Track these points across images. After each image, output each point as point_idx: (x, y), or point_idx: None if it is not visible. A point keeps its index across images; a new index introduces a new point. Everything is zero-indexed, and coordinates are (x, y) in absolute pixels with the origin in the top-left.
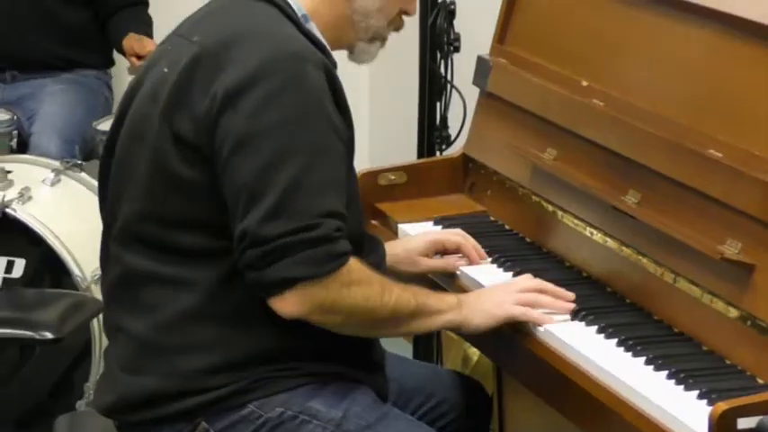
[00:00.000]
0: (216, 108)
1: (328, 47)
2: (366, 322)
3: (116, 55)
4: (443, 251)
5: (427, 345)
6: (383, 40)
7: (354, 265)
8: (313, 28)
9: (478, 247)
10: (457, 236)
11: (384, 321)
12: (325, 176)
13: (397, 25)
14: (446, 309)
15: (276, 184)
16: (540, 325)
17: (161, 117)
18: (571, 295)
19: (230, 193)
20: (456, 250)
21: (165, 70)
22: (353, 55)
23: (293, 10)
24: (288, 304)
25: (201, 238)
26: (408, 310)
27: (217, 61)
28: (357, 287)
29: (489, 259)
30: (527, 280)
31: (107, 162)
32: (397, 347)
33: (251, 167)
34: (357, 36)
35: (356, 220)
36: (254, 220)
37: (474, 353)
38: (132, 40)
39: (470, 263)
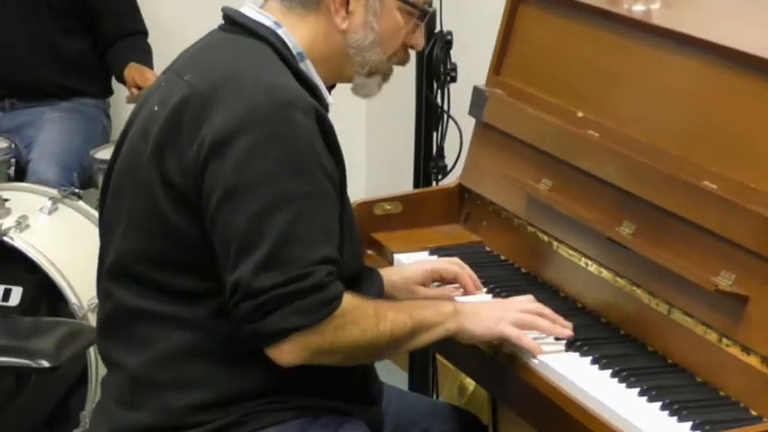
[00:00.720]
0: (203, 156)
1: (323, 86)
2: (367, 354)
3: (115, 83)
4: (440, 280)
5: (423, 375)
6: (384, 74)
7: (348, 303)
8: (308, 66)
9: (474, 276)
10: (453, 265)
11: (384, 348)
12: (316, 224)
13: (400, 59)
14: (443, 319)
15: (267, 236)
16: (532, 352)
17: (150, 157)
18: (569, 324)
19: (220, 243)
20: (453, 280)
21: (156, 108)
22: (354, 88)
23: (288, 48)
24: (285, 354)
25: (192, 280)
26: (406, 331)
27: (205, 105)
28: (352, 325)
29: (485, 289)
30: (528, 302)
31: (105, 194)
32: (393, 377)
33: (240, 218)
34: (354, 70)
35: (354, 256)
36: (246, 272)
37: (470, 383)
38: (133, 71)
39: (466, 293)
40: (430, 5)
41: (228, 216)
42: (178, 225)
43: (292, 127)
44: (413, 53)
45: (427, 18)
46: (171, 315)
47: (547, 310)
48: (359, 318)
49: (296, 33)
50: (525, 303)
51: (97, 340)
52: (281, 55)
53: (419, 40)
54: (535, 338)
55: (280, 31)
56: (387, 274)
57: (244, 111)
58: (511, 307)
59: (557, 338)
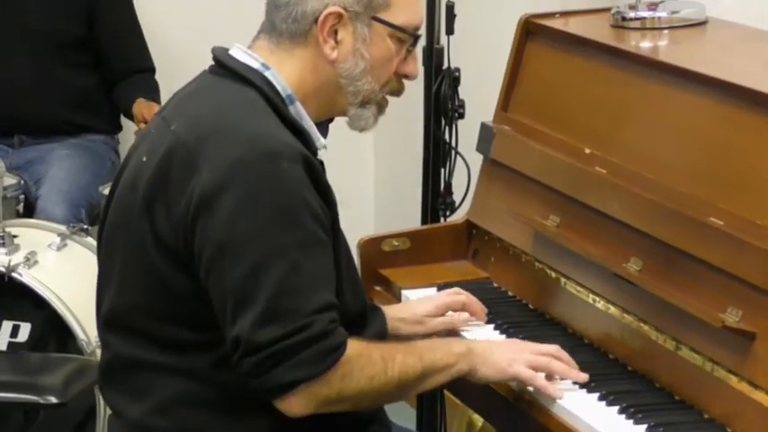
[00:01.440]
0: (192, 211)
1: (313, 128)
2: (375, 400)
3: (123, 119)
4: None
5: (431, 411)
6: (379, 104)
7: (353, 350)
8: (298, 108)
9: (479, 302)
10: (460, 295)
11: (393, 393)
12: (313, 272)
13: (393, 88)
14: (454, 361)
15: (263, 289)
16: (545, 394)
17: (140, 211)
18: (584, 376)
19: (216, 299)
20: (462, 310)
21: (144, 159)
22: (349, 121)
23: (277, 91)
24: (293, 406)
25: (188, 332)
26: (415, 375)
27: (191, 159)
28: (359, 372)
29: (492, 325)
30: (544, 345)
31: (101, 243)
32: (402, 415)
33: (235, 274)
34: (347, 101)
35: (355, 295)
36: (245, 327)
37: (478, 419)
38: (142, 106)
39: (476, 319)
40: (419, 30)
41: (223, 272)
42: (171, 280)
43: (279, 177)
44: (420, 88)
45: (417, 43)
46: (169, 365)
47: (564, 354)
48: (365, 364)
49: (284, 71)
50: (542, 345)
51: (100, 386)
52: (269, 100)
53: (412, 68)
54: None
55: (268, 74)
56: (396, 311)
57: (230, 164)
58: (525, 348)
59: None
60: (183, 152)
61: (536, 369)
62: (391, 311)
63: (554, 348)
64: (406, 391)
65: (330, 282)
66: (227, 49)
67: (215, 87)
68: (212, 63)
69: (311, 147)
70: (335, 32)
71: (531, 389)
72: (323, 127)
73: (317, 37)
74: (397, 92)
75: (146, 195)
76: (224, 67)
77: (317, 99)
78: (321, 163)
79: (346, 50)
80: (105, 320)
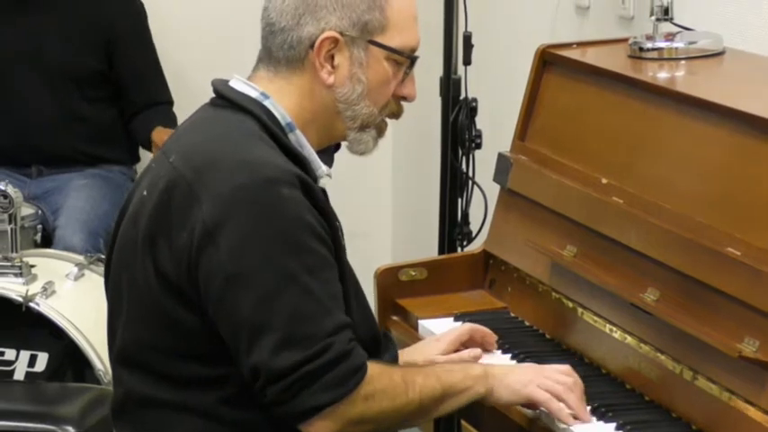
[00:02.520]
0: (195, 245)
1: (314, 156)
2: (396, 421)
3: (141, 150)
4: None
5: None
6: (378, 127)
7: (373, 371)
8: (298, 136)
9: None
10: (464, 326)
11: (414, 414)
12: (324, 294)
13: (392, 111)
14: (472, 384)
15: (277, 317)
16: (558, 419)
17: (142, 247)
18: (589, 417)
19: (228, 331)
20: (471, 340)
21: (145, 193)
22: (349, 146)
23: (276, 120)
24: (318, 429)
25: (198, 367)
26: (435, 397)
27: (190, 191)
28: (381, 394)
29: (509, 355)
30: (565, 374)
31: (107, 276)
32: None
33: (246, 304)
34: (345, 125)
35: (366, 319)
36: (264, 355)
37: None
38: (161, 133)
39: (487, 347)
40: (416, 51)
41: (233, 304)
42: (177, 317)
43: (280, 203)
44: (437, 118)
45: (415, 65)
46: (180, 403)
47: (580, 387)
48: (387, 385)
49: (283, 99)
50: (560, 375)
51: (113, 422)
52: (267, 128)
53: (410, 90)
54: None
55: (267, 103)
56: (406, 355)
57: (229, 194)
58: (543, 373)
59: None
60: (182, 185)
61: (551, 395)
62: (402, 356)
63: (572, 381)
64: (427, 413)
65: (340, 301)
66: (226, 81)
67: (213, 118)
68: (212, 95)
69: (311, 174)
70: (332, 57)
71: (543, 410)
72: (328, 156)
73: (314, 62)
74: (396, 114)
75: (147, 231)
76: (223, 97)
77: (315, 125)
78: (324, 192)
79: (343, 75)
80: (117, 357)
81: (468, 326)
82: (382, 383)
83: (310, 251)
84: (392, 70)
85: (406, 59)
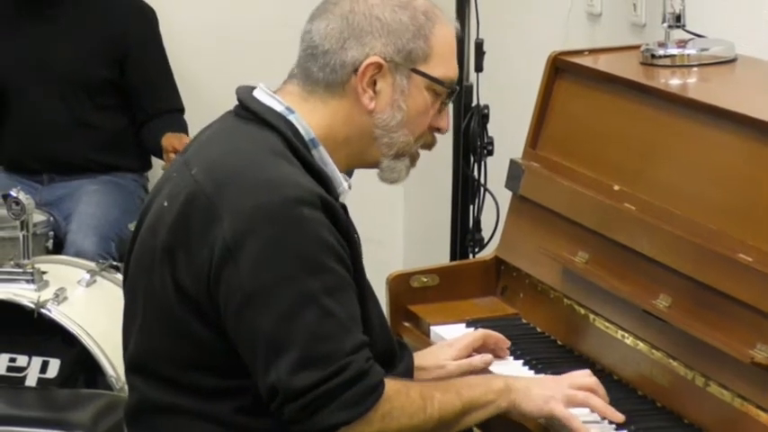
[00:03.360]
0: (215, 262)
1: (337, 173)
2: None
3: (153, 158)
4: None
5: None
6: (412, 157)
7: (391, 389)
8: (322, 153)
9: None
10: (476, 332)
11: (433, 430)
12: (343, 314)
13: (426, 141)
14: (495, 398)
15: (296, 337)
16: None
17: (161, 257)
18: (620, 416)
19: (246, 347)
20: (483, 345)
21: (165, 204)
22: (381, 173)
23: (300, 135)
24: None
25: (212, 378)
26: (455, 412)
27: (211, 206)
28: (399, 411)
29: (521, 361)
30: (583, 377)
31: (125, 281)
32: None
33: (265, 323)
34: (381, 152)
35: (384, 335)
36: (282, 374)
37: None
38: (171, 138)
39: (499, 354)
40: (457, 83)
41: (252, 322)
42: (193, 329)
43: (301, 223)
44: (450, 127)
45: (454, 96)
46: (193, 410)
47: (601, 389)
48: (405, 403)
49: (313, 118)
50: (580, 378)
51: (126, 427)
52: (290, 144)
53: (445, 122)
54: (585, 421)
55: (291, 117)
56: (416, 360)
57: (250, 212)
58: (564, 383)
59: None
60: (202, 199)
61: (574, 405)
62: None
63: (593, 382)
64: (447, 428)
65: (358, 321)
66: (251, 89)
67: (237, 130)
68: (236, 104)
69: (333, 192)
70: (374, 83)
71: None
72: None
73: (356, 87)
74: (430, 145)
75: (166, 242)
76: (246, 109)
77: (348, 148)
78: (344, 207)
79: (384, 101)
80: (130, 363)
81: (482, 332)
82: (400, 401)
83: (330, 271)
84: (431, 100)
85: (445, 90)
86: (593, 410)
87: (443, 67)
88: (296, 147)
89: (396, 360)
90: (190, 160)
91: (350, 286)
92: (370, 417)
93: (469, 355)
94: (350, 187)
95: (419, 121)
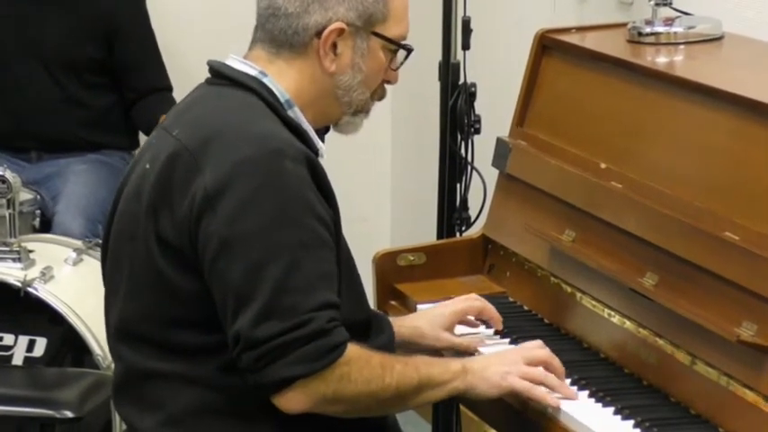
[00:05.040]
0: (195, 211)
1: (312, 131)
2: (371, 406)
3: (141, 136)
4: (465, 321)
5: (446, 426)
6: (367, 111)
7: (353, 353)
8: (296, 112)
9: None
10: (476, 301)
11: (389, 402)
12: (313, 271)
13: (380, 95)
14: (450, 378)
15: (263, 286)
16: (542, 403)
17: (145, 216)
18: (574, 394)
19: (218, 297)
20: (479, 315)
21: (147, 166)
22: (338, 127)
23: (275, 96)
24: (290, 402)
25: (197, 335)
26: (412, 386)
27: (194, 161)
28: (357, 374)
29: (507, 339)
30: (536, 349)
31: (105, 258)
32: (417, 429)
33: (237, 270)
34: (341, 110)
35: (357, 301)
36: (245, 323)
37: None
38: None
39: (493, 326)
40: (405, 39)
41: (224, 270)
42: (177, 283)
43: (282, 176)
44: (436, 103)
45: (410, 56)
46: (179, 374)
47: (555, 361)
48: (364, 368)
49: (282, 80)
50: (534, 352)
51: (113, 399)
52: (268, 103)
53: (395, 75)
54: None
55: (266, 80)
56: (411, 320)
57: (233, 163)
58: (518, 359)
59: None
60: (186, 155)
61: (531, 381)
62: (407, 320)
63: (546, 354)
64: (402, 402)
65: (331, 282)
66: (223, 61)
67: (214, 95)
68: (209, 75)
69: (312, 147)
70: (335, 46)
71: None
72: (319, 137)
73: (318, 50)
74: (382, 97)
75: (150, 201)
76: (222, 76)
77: (313, 108)
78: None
79: (345, 63)
80: (116, 332)
81: (479, 305)
82: (359, 365)
83: (306, 228)
84: (386, 58)
85: (402, 49)
86: (549, 388)
87: (398, 27)
88: (274, 106)
89: (370, 331)
90: (170, 126)
91: (326, 245)
92: (326, 375)
93: (462, 321)
94: (323, 155)
95: (375, 78)
